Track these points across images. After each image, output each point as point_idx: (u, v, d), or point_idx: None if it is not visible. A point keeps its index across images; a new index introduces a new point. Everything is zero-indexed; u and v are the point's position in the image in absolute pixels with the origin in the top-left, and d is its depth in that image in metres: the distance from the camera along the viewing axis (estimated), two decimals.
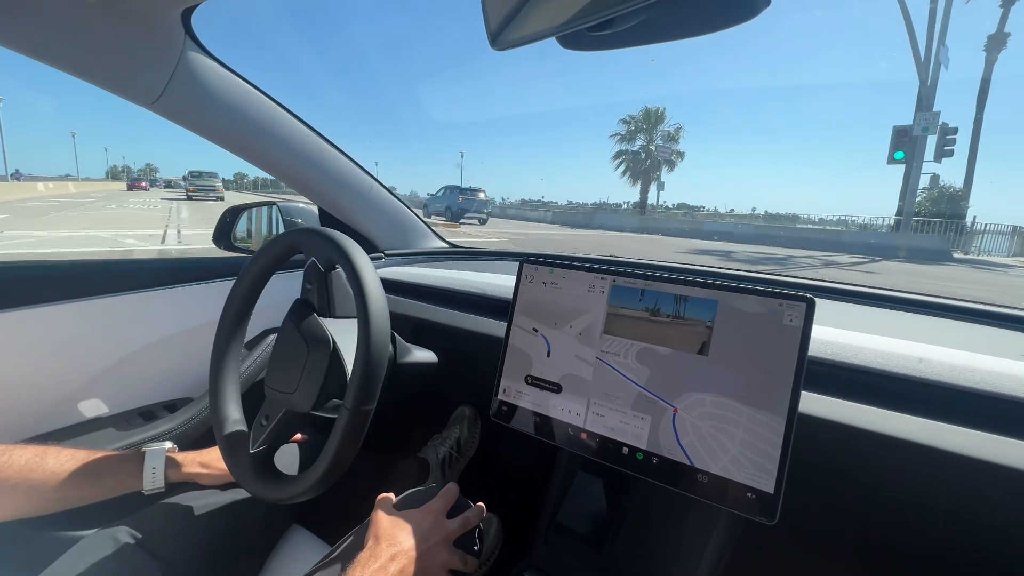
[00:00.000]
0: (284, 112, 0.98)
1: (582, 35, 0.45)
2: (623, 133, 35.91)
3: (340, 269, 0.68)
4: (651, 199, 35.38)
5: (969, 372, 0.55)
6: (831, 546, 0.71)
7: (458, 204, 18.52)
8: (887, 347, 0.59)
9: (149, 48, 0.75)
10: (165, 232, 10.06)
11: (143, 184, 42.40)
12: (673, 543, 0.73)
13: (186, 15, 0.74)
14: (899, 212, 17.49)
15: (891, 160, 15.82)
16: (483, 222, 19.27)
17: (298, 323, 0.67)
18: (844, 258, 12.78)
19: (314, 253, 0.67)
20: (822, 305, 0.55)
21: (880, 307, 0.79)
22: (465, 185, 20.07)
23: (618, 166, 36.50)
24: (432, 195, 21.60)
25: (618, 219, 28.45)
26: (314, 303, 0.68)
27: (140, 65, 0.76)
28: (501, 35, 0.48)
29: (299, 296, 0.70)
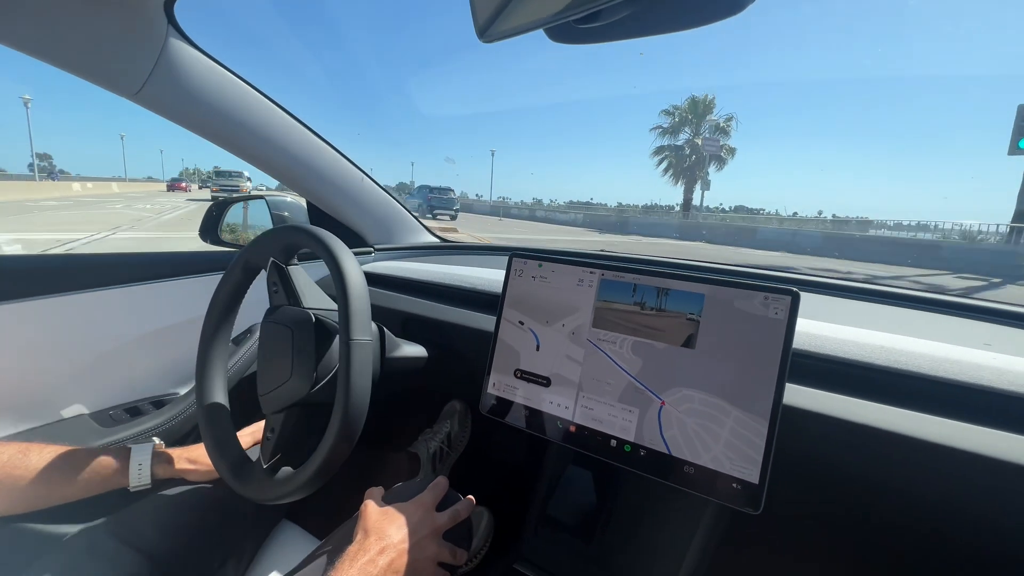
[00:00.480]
0: (271, 104, 0.97)
1: (570, 27, 0.45)
2: (666, 126, 31.92)
3: (297, 263, 0.71)
4: (696, 200, 31.73)
5: (949, 364, 0.56)
6: (814, 535, 0.72)
7: (428, 201, 21.72)
8: (869, 340, 0.60)
9: (131, 38, 0.73)
10: (102, 236, 9.68)
11: (183, 184, 41.87)
12: (661, 534, 0.74)
13: (169, 4, 0.72)
14: (1019, 217, 13.70)
15: (1014, 150, 11.29)
16: (453, 218, 21.98)
17: (274, 318, 0.67)
18: (949, 279, 9.70)
19: (305, 246, 0.68)
20: (806, 299, 0.55)
21: (863, 300, 0.80)
22: (441, 185, 23.99)
23: (659, 163, 32.43)
24: (410, 194, 24.59)
25: (657, 223, 25.61)
26: (284, 303, 0.69)
27: (122, 55, 0.75)
28: (490, 28, 0.47)
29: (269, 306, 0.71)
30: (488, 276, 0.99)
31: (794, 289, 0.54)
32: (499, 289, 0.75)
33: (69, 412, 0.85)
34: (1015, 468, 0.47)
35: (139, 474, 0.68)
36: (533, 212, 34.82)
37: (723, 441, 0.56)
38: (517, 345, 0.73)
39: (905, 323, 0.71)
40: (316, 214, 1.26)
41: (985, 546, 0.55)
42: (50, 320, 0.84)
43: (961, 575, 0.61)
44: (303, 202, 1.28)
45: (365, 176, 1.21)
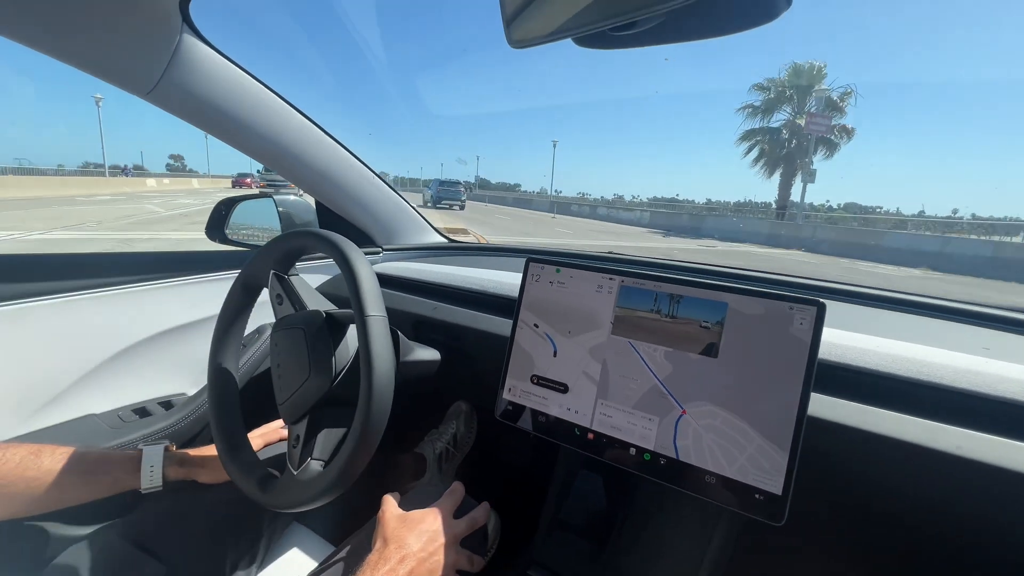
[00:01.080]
0: (282, 102, 0.96)
1: (603, 34, 0.45)
2: (757, 104, 24.66)
3: (297, 273, 0.73)
4: (795, 194, 24.34)
5: (972, 375, 0.56)
6: (832, 545, 0.72)
7: (436, 193, 25.12)
8: (893, 350, 0.60)
9: (145, 36, 0.72)
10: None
11: (248, 180, 41.99)
12: (675, 541, 0.74)
13: (184, 3, 0.71)
14: None
15: None
16: (461, 207, 25.37)
17: (284, 324, 0.67)
18: None
19: (304, 248, 0.69)
20: (831, 307, 0.55)
21: (890, 310, 0.79)
22: (451, 179, 27.12)
23: (748, 151, 24.90)
24: (426, 186, 28.16)
25: (740, 225, 20.44)
26: (291, 312, 0.70)
27: (135, 54, 0.74)
28: (518, 33, 0.47)
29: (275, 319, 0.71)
30: (499, 279, 0.99)
31: (820, 300, 0.54)
32: (510, 292, 0.75)
33: (77, 413, 0.85)
34: None
35: (151, 476, 0.68)
36: (594, 210, 32.43)
37: (745, 451, 0.56)
38: (533, 351, 0.73)
39: (933, 332, 0.71)
40: (324, 213, 1.25)
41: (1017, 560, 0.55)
42: (60, 321, 0.83)
43: None
44: (311, 201, 1.27)
45: (374, 175, 1.20)
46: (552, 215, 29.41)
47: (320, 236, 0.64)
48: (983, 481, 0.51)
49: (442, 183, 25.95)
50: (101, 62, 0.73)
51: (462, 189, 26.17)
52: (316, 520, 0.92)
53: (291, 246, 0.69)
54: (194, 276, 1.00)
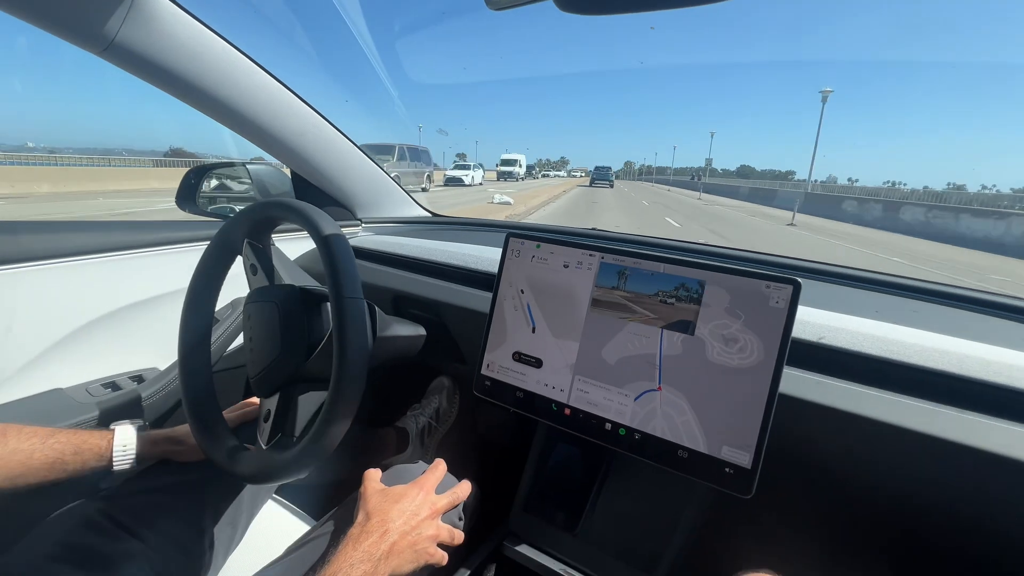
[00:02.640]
0: (252, 64, 0.91)
1: None
2: None
3: (273, 244, 0.70)
4: None
5: (938, 354, 0.57)
6: (799, 515, 0.75)
7: (594, 174, 34.89)
8: (863, 329, 0.61)
9: None
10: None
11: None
12: (648, 513, 0.76)
13: None
14: None
15: None
16: (519, 178, 31.66)
17: (257, 297, 0.65)
18: None
19: (279, 218, 0.67)
20: (806, 286, 0.55)
21: (864, 289, 0.80)
22: (604, 164, 37.09)
23: None
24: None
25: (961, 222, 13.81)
26: (264, 284, 0.68)
27: (87, 5, 0.68)
28: None
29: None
30: (480, 253, 0.97)
31: (796, 278, 0.54)
32: (491, 267, 0.74)
33: (44, 387, 0.82)
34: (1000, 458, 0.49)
35: (123, 456, 0.66)
36: (767, 194, 26.48)
37: (717, 427, 0.57)
38: (513, 326, 0.72)
39: (905, 313, 0.72)
40: (301, 185, 1.21)
41: (964, 532, 0.57)
42: (21, 290, 0.79)
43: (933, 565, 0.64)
44: (287, 172, 1.23)
45: (353, 145, 1.16)
46: (699, 195, 26.48)
47: (294, 207, 0.62)
48: (937, 453, 0.53)
49: (597, 168, 38.59)
50: (50, 13, 0.68)
51: (612, 172, 37.03)
52: (297, 495, 0.93)
53: (265, 215, 0.67)
54: (164, 247, 0.97)
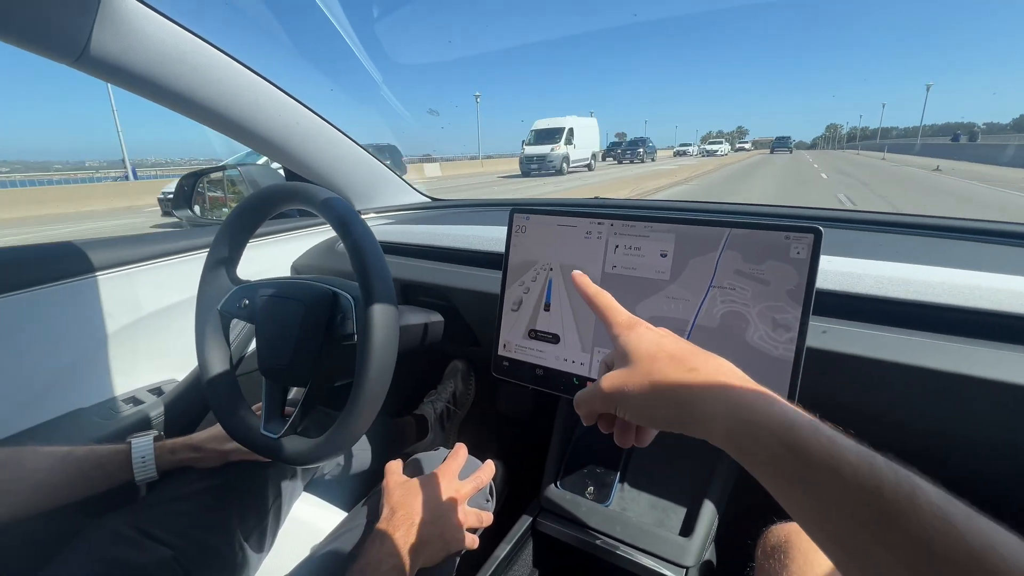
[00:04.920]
0: (228, 59, 0.87)
1: None
2: None
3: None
4: None
5: (968, 291, 0.55)
6: None
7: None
8: (890, 273, 0.59)
9: None
10: None
11: None
12: (679, 477, 0.75)
13: None
14: None
15: None
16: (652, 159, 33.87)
17: (280, 292, 0.64)
18: None
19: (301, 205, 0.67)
20: (829, 235, 0.53)
21: (885, 232, 0.78)
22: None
23: None
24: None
25: None
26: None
27: (53, 13, 0.65)
28: None
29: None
30: (485, 234, 0.95)
31: (817, 227, 0.52)
32: (498, 247, 0.72)
33: (64, 408, 0.82)
34: None
35: (143, 467, 0.66)
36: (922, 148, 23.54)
37: None
38: (526, 304, 0.71)
39: (930, 252, 0.70)
40: (294, 180, 1.19)
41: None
42: (34, 314, 0.78)
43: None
44: (280, 170, 1.20)
45: (343, 136, 1.13)
46: (882, 155, 22.38)
47: (309, 195, 0.62)
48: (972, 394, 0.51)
49: (778, 138, 43.42)
50: (14, 25, 0.65)
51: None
52: (325, 490, 0.93)
53: (276, 197, 0.67)
54: (165, 258, 0.95)
